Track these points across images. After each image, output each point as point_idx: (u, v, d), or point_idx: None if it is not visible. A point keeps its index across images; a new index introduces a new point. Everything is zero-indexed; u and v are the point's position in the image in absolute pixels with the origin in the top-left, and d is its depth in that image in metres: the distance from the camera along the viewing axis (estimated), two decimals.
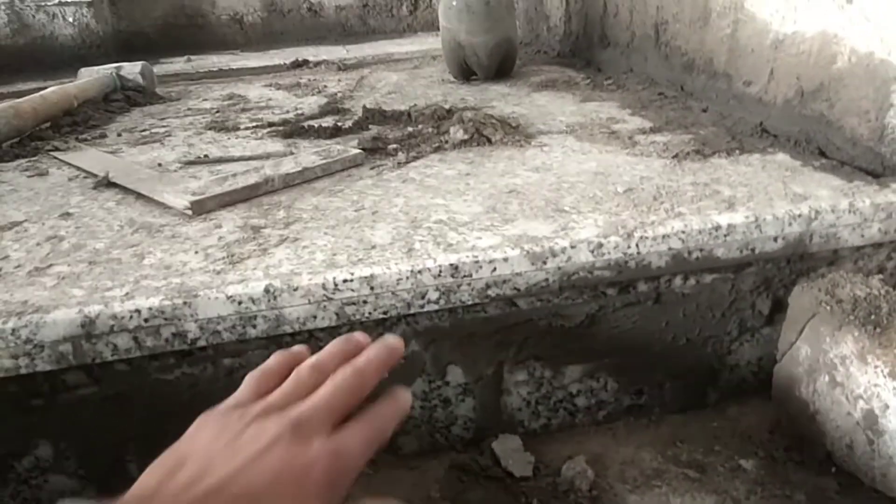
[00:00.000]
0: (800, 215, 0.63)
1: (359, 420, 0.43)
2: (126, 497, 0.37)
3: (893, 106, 0.69)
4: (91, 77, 1.36)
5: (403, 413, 0.46)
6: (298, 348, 0.48)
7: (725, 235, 0.62)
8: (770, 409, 0.70)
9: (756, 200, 0.66)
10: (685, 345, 0.69)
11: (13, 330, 0.51)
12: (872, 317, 0.60)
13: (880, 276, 0.67)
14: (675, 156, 0.79)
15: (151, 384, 0.59)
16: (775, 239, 0.63)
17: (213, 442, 0.40)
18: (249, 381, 0.45)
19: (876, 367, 0.56)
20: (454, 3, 1.24)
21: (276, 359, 0.47)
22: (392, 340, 0.48)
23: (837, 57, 0.75)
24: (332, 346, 0.46)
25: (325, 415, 0.41)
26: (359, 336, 0.48)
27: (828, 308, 0.62)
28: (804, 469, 0.63)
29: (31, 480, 0.60)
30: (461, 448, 0.68)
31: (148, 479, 0.38)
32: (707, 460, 0.64)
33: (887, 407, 0.55)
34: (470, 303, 0.60)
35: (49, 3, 1.92)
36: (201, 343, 0.56)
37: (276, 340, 0.59)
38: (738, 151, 0.80)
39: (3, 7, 1.90)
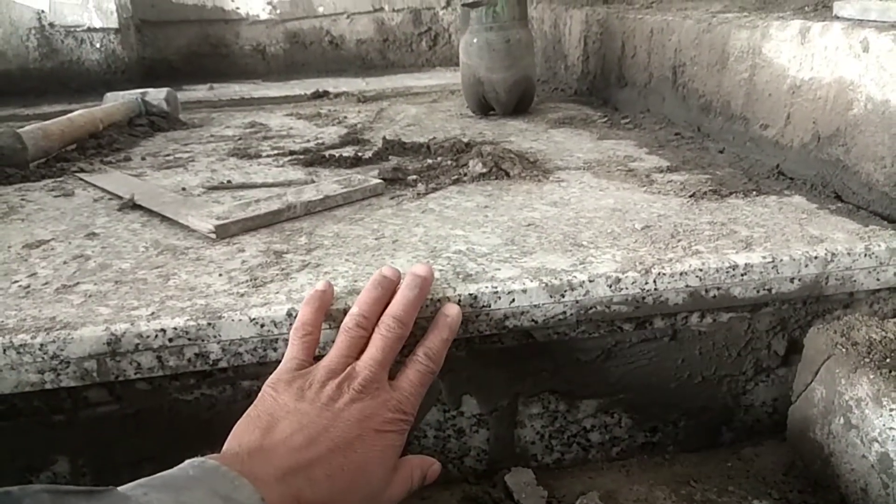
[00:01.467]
0: (816, 257, 0.64)
1: (414, 365, 0.51)
2: (229, 451, 0.43)
3: None
4: (117, 102, 1.39)
5: (453, 333, 0.54)
6: (323, 289, 0.54)
7: (742, 275, 0.63)
8: (785, 450, 0.69)
9: (773, 241, 0.66)
10: (700, 383, 0.69)
11: (41, 345, 0.53)
12: (888, 360, 0.60)
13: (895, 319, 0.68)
14: (693, 195, 0.80)
15: (171, 404, 0.59)
16: (792, 280, 0.64)
17: (297, 403, 0.46)
18: (296, 341, 0.51)
19: (891, 410, 0.56)
20: (475, 41, 1.27)
21: (308, 308, 0.53)
22: (420, 270, 0.55)
23: (853, 103, 0.77)
24: (369, 294, 0.53)
25: (381, 369, 0.49)
26: (388, 273, 0.55)
27: (843, 350, 0.62)
28: None
29: None
30: (473, 480, 0.68)
31: (248, 435, 0.44)
32: (721, 500, 0.64)
33: None
34: (487, 333, 0.61)
35: (78, 30, 1.97)
36: (222, 364, 0.57)
37: None
38: (754, 193, 0.81)
39: (33, 32, 1.96)
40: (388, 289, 0.54)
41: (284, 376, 0.49)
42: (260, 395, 0.48)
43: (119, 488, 0.35)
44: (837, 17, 0.91)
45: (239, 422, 0.46)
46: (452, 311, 0.55)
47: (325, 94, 1.74)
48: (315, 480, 0.42)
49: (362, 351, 0.50)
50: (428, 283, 0.55)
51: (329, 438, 0.44)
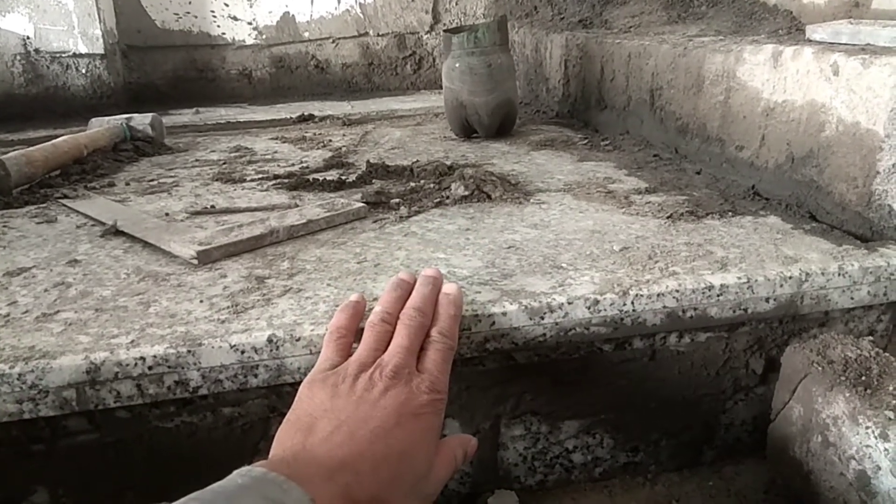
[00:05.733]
0: (790, 277, 0.65)
1: (433, 346, 0.53)
2: (275, 457, 0.44)
3: (879, 174, 0.71)
4: (102, 127, 1.39)
5: (459, 309, 0.57)
6: (357, 300, 0.58)
7: (718, 295, 0.64)
8: (765, 468, 0.70)
9: (748, 262, 0.67)
10: (681, 402, 0.69)
11: (19, 375, 0.52)
12: (863, 378, 0.61)
13: (870, 337, 0.69)
14: (670, 216, 0.82)
15: (151, 432, 0.59)
16: (767, 300, 0.65)
17: (332, 400, 0.47)
18: (331, 343, 0.53)
19: (867, 427, 0.57)
20: (457, 65, 1.29)
21: (343, 315, 0.56)
22: (430, 272, 0.60)
23: (826, 125, 0.79)
24: (390, 295, 0.57)
25: (409, 355, 0.51)
26: (405, 276, 0.59)
27: (819, 368, 0.63)
28: None
29: None
30: (457, 503, 0.68)
31: (290, 439, 0.45)
32: None
33: (879, 468, 0.56)
34: (469, 356, 0.61)
35: (64, 55, 1.97)
36: (203, 391, 0.57)
37: (276, 390, 0.60)
38: (730, 213, 0.82)
39: (18, 58, 1.96)
40: (406, 290, 0.58)
41: (318, 376, 0.50)
42: (297, 397, 0.49)
43: None
44: (810, 41, 0.94)
45: (280, 428, 0.47)
46: (451, 288, 0.58)
47: (311, 117, 1.75)
48: (361, 474, 0.42)
49: (388, 345, 0.52)
50: (439, 281, 0.59)
51: (369, 430, 0.44)
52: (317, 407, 0.47)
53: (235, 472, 0.39)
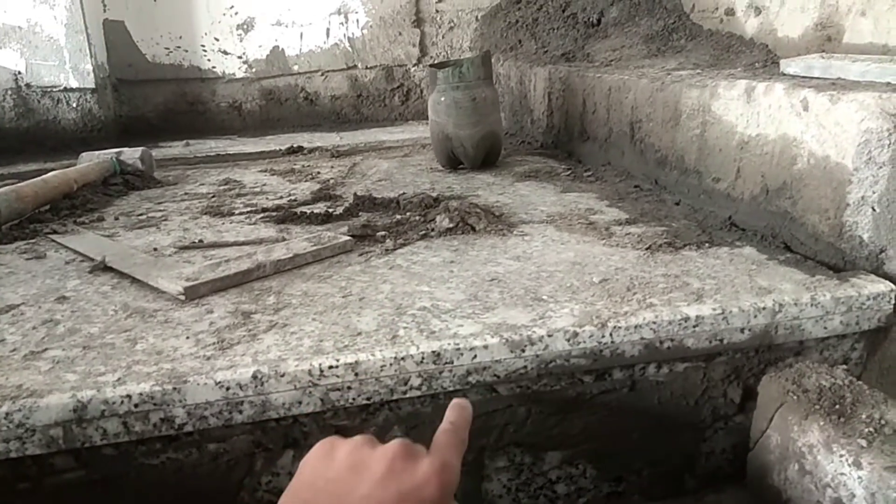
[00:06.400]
0: (764, 308, 0.67)
1: (443, 434, 0.48)
2: None
3: (849, 206, 0.73)
4: (92, 161, 1.40)
5: (470, 415, 0.51)
6: None
7: (694, 326, 0.65)
8: (745, 495, 0.71)
9: (723, 293, 0.69)
10: (662, 432, 0.70)
11: (6, 414, 0.53)
12: (837, 406, 0.62)
13: (845, 366, 0.70)
14: (649, 247, 0.84)
15: (137, 468, 0.60)
16: (742, 330, 0.67)
17: (339, 468, 0.43)
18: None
19: (841, 456, 0.58)
20: (443, 99, 1.31)
21: None
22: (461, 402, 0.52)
23: (798, 158, 0.81)
24: None
25: (415, 445, 0.45)
26: None
27: (795, 397, 0.65)
28: None
29: None
30: None
31: None
32: None
33: (853, 496, 0.57)
34: (451, 389, 0.62)
35: (55, 90, 2.00)
36: (188, 428, 0.58)
37: (261, 426, 0.61)
38: (707, 244, 0.84)
39: (9, 92, 1.98)
40: None
41: (330, 439, 0.46)
42: (303, 460, 0.46)
43: None
44: (783, 74, 0.97)
45: (283, 497, 0.44)
46: (464, 401, 0.52)
47: (300, 149, 1.77)
48: None
49: None
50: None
51: None
52: (318, 475, 0.44)
53: None
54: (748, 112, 0.90)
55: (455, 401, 0.52)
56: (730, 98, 0.93)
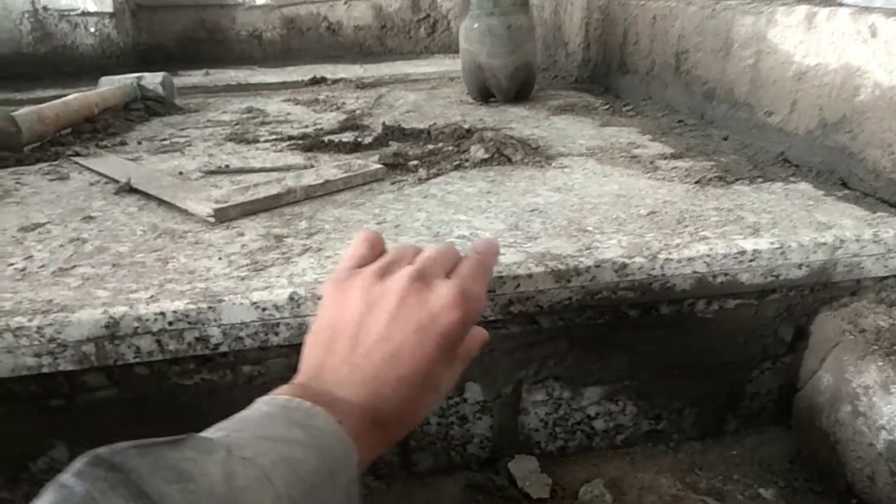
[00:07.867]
0: (824, 244, 0.63)
1: (466, 261, 0.46)
2: (300, 376, 0.42)
3: None
4: (112, 86, 1.37)
5: (498, 249, 0.51)
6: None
7: (751, 261, 0.62)
8: (790, 438, 0.69)
9: (780, 227, 0.66)
10: (706, 370, 0.68)
11: (38, 328, 0.51)
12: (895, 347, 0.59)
13: None
14: (698, 181, 0.80)
15: (170, 389, 0.58)
16: (800, 266, 0.63)
17: (350, 307, 0.43)
18: (362, 242, 0.48)
19: None
20: (476, 26, 1.25)
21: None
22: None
23: (860, 89, 0.76)
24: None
25: (438, 265, 0.45)
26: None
27: (851, 337, 0.62)
28: (824, 500, 0.62)
29: (45, 482, 0.59)
30: (476, 467, 0.67)
31: (312, 357, 0.43)
32: (726, 488, 0.63)
33: None
34: (492, 318, 0.60)
35: (72, 13, 1.94)
36: (223, 349, 0.56)
37: (297, 349, 0.59)
38: (760, 179, 0.80)
39: (27, 16, 1.93)
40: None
41: (342, 275, 0.45)
42: (322, 299, 0.45)
43: (197, 434, 0.34)
44: (842, 4, 0.90)
45: (306, 338, 0.44)
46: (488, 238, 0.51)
47: (323, 80, 1.72)
48: (383, 396, 0.40)
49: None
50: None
51: (388, 352, 0.41)
52: (335, 317, 0.43)
53: (259, 400, 0.38)
54: (808, 40, 0.84)
55: (482, 238, 0.50)
56: (788, 25, 0.87)
